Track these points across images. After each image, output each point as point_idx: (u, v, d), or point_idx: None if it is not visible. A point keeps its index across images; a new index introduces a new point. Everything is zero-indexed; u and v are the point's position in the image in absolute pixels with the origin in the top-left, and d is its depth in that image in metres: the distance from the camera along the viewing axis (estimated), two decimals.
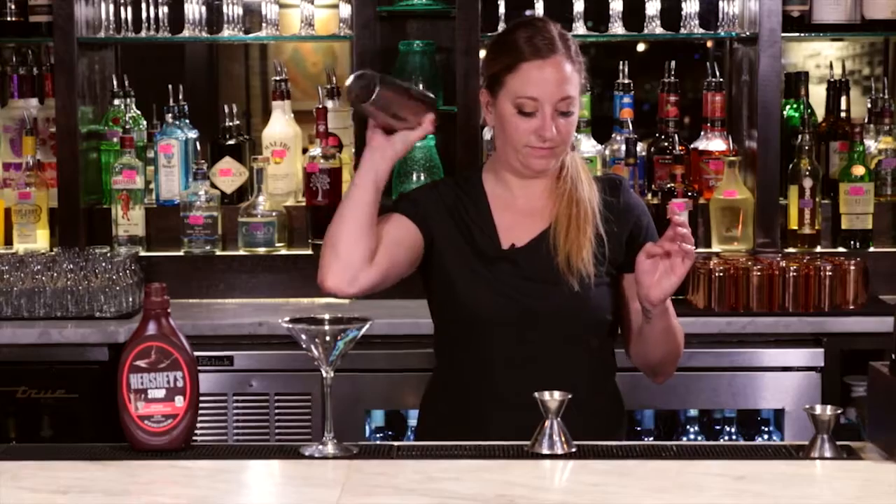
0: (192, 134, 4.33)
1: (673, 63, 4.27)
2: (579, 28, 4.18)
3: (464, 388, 2.75)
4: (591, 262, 2.69)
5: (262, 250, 4.17)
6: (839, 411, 2.30)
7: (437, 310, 2.82)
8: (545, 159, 2.71)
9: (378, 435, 3.85)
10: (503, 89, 2.71)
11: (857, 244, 4.14)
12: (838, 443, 2.32)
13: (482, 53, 4.07)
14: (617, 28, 4.20)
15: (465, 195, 2.79)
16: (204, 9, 4.23)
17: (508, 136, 2.72)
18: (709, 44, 5.84)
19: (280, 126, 4.31)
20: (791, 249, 4.12)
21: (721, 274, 3.79)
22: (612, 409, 2.82)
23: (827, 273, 3.79)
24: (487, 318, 2.71)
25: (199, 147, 4.33)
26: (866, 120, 4.36)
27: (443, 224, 2.76)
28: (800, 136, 4.14)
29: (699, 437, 3.82)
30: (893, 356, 2.30)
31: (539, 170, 2.73)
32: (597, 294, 2.70)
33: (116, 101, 4.32)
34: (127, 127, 4.27)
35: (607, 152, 4.25)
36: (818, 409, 2.30)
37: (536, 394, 2.34)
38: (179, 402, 2.36)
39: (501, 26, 4.20)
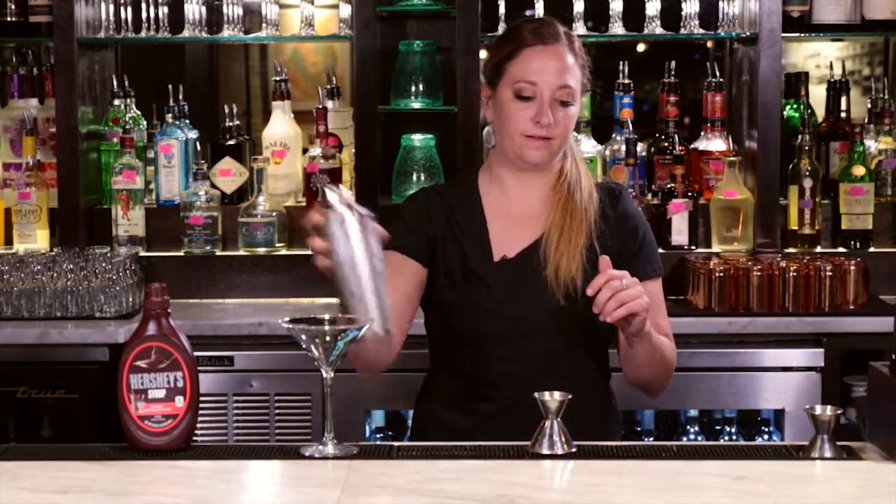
0: (192, 134, 4.33)
1: (673, 63, 4.27)
2: (579, 28, 4.18)
3: (454, 395, 2.75)
4: (580, 273, 2.66)
5: (262, 250, 4.17)
6: (839, 411, 2.30)
7: (428, 320, 2.81)
8: (540, 150, 2.67)
9: (378, 435, 3.85)
10: (503, 77, 2.68)
11: (858, 244, 4.14)
12: (838, 443, 2.32)
13: (482, 53, 4.07)
14: (617, 28, 4.19)
15: (458, 203, 2.77)
16: (204, 9, 4.23)
17: (505, 123, 2.68)
18: (709, 44, 5.84)
19: (280, 126, 4.30)
20: (791, 249, 4.12)
21: (721, 274, 3.79)
22: (604, 418, 2.79)
23: (827, 273, 3.79)
24: (474, 331, 2.70)
25: (199, 147, 4.33)
26: (866, 120, 4.36)
27: (437, 244, 2.74)
28: (800, 136, 4.14)
29: (699, 437, 3.82)
30: (893, 356, 2.30)
31: (533, 161, 2.69)
32: (586, 305, 2.62)
33: (116, 102, 4.32)
34: (127, 127, 4.26)
35: (607, 152, 4.24)
36: (818, 409, 2.30)
37: (536, 394, 2.33)
38: (179, 402, 2.36)
39: (501, 26, 4.20)
